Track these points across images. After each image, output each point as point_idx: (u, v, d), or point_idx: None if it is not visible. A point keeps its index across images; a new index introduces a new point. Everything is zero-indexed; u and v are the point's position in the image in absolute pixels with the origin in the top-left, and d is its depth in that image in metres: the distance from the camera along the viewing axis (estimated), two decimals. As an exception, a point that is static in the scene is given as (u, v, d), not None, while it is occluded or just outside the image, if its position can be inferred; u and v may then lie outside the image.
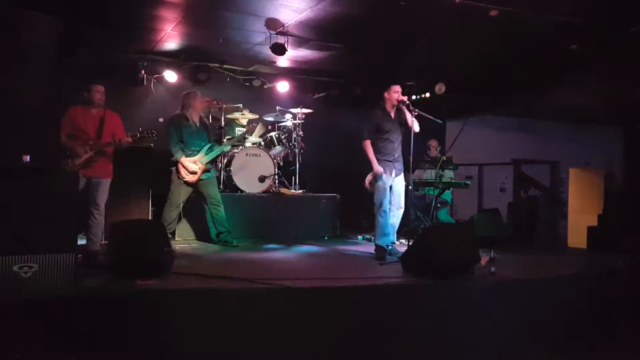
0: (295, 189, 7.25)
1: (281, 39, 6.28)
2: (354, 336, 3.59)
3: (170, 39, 6.69)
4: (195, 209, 6.13)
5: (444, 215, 7.31)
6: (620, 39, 5.97)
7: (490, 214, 5.76)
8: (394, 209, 5.24)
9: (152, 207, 6.12)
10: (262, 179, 6.73)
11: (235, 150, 6.74)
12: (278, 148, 7.21)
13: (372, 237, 5.95)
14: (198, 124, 5.78)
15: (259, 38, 6.50)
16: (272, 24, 5.97)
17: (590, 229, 6.45)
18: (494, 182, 9.71)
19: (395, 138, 5.25)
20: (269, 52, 6.47)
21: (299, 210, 6.85)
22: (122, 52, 7.21)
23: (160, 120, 7.11)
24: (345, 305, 3.67)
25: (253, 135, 7.14)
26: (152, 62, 7.46)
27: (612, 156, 10.91)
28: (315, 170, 7.83)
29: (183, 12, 5.71)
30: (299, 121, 7.33)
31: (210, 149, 5.78)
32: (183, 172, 5.61)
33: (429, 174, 7.08)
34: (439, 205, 6.89)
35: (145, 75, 7.36)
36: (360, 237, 6.88)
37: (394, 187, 5.22)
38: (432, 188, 6.58)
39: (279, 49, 6.30)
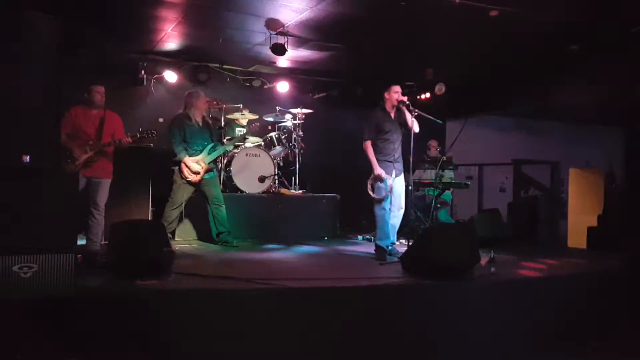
0: (295, 189, 7.25)
1: (281, 39, 6.29)
2: (354, 336, 3.59)
3: (171, 39, 6.69)
4: (196, 209, 6.13)
5: (444, 215, 7.31)
6: (620, 39, 5.97)
7: (490, 214, 5.77)
8: (394, 210, 5.24)
9: (152, 207, 6.11)
10: (262, 179, 6.73)
11: (236, 151, 6.74)
12: (278, 148, 7.20)
13: (372, 237, 5.96)
14: (201, 124, 5.79)
15: (259, 38, 6.50)
16: (272, 24, 5.97)
17: (590, 229, 6.44)
18: (494, 182, 9.71)
19: (395, 138, 5.24)
20: (269, 52, 6.47)
21: (299, 211, 6.85)
22: (122, 52, 7.20)
23: (160, 120, 7.14)
24: (345, 305, 3.67)
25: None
26: (152, 62, 7.46)
27: (612, 156, 10.88)
28: (315, 170, 7.83)
29: (183, 12, 5.71)
30: (299, 121, 7.33)
31: (213, 149, 5.79)
32: (186, 171, 5.61)
33: (429, 174, 7.09)
34: (439, 205, 6.89)
35: (145, 76, 7.35)
36: (360, 237, 6.88)
37: (394, 187, 5.21)
38: (432, 188, 6.58)
39: (279, 49, 6.30)
